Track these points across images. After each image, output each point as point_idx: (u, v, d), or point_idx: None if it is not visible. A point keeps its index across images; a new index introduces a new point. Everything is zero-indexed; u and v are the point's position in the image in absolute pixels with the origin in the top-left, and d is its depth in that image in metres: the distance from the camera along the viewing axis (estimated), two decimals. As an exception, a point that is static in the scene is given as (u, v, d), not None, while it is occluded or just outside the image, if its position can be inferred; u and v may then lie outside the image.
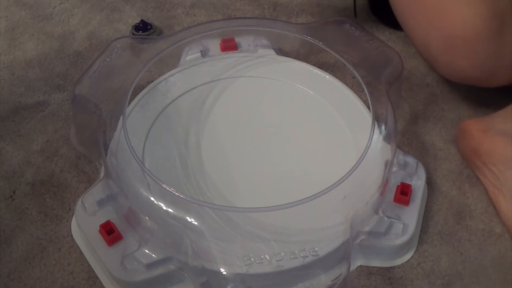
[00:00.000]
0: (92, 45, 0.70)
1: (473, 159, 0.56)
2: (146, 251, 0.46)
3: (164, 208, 0.48)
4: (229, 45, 0.64)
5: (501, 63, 0.56)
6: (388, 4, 0.64)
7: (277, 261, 0.45)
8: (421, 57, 0.64)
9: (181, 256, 0.46)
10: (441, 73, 0.61)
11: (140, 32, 0.70)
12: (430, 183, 0.56)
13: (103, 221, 0.48)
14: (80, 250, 0.50)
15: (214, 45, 0.64)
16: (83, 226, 0.49)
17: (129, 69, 0.58)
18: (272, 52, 0.64)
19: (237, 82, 0.61)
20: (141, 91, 0.59)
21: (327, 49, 0.59)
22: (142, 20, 0.71)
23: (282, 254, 0.45)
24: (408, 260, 0.51)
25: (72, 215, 0.52)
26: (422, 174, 0.54)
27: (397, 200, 0.52)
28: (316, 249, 0.46)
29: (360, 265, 0.50)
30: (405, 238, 0.49)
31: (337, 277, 0.45)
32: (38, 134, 0.59)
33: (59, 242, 0.51)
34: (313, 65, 0.63)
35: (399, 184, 0.52)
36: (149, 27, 0.70)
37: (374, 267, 0.50)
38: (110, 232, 0.48)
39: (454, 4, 0.55)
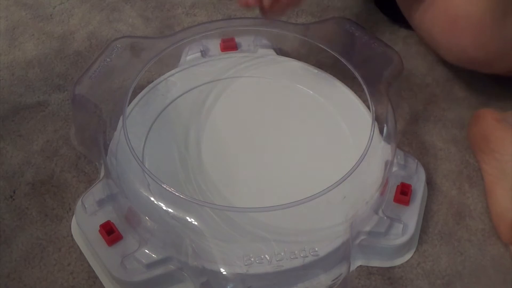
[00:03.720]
0: (92, 45, 0.70)
1: (481, 145, 0.56)
2: (146, 251, 0.46)
3: (164, 208, 0.48)
4: (229, 45, 0.64)
5: (504, 46, 0.56)
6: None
7: (277, 261, 0.45)
8: (424, 42, 0.64)
9: (181, 256, 0.46)
10: (444, 55, 0.61)
11: None
12: (430, 183, 0.56)
13: (103, 221, 0.48)
14: (80, 250, 0.50)
15: (214, 45, 0.64)
16: (83, 226, 0.49)
17: (129, 69, 0.57)
18: (272, 52, 0.64)
19: (237, 82, 0.61)
20: (141, 91, 0.59)
21: (327, 49, 0.59)
22: None
23: (282, 254, 0.45)
24: (408, 260, 0.51)
25: (72, 215, 0.52)
26: (422, 174, 0.54)
27: (397, 200, 0.52)
28: (316, 249, 0.46)
29: (360, 265, 0.50)
30: (405, 238, 0.49)
31: (337, 277, 0.45)
32: (38, 134, 0.59)
33: (59, 242, 0.51)
34: (313, 65, 0.63)
35: (399, 184, 0.52)
36: None
37: (374, 267, 0.50)
38: (110, 232, 0.48)
39: None
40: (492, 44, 0.56)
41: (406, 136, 0.61)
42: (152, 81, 0.60)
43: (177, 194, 0.46)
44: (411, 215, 0.51)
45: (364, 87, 0.55)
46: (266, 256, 0.45)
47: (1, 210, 0.53)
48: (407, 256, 0.51)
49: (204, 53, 0.63)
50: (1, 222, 0.52)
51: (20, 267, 0.49)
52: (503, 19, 0.55)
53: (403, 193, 0.52)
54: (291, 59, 0.64)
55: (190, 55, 0.63)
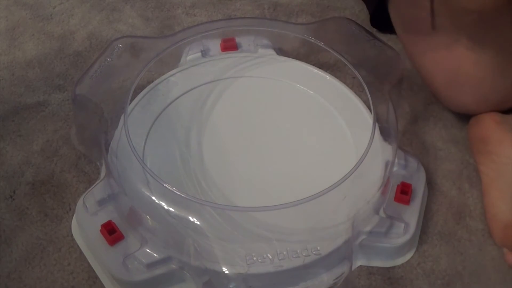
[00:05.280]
0: (92, 45, 0.70)
1: (480, 146, 0.56)
2: (148, 250, 0.46)
3: (166, 207, 0.48)
4: (229, 45, 0.64)
5: (505, 97, 0.57)
6: (387, 17, 0.64)
7: (279, 260, 0.45)
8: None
9: (183, 255, 0.46)
10: (443, 103, 0.61)
11: None
12: (430, 183, 0.56)
13: (104, 220, 0.48)
14: (80, 250, 0.50)
15: (214, 45, 0.64)
16: (84, 226, 0.49)
17: (129, 69, 0.57)
18: (272, 52, 0.64)
19: (237, 82, 0.61)
20: (141, 91, 0.59)
21: (328, 49, 0.59)
22: None
23: (284, 253, 0.45)
24: (408, 260, 0.51)
25: (72, 215, 0.52)
26: (422, 173, 0.54)
27: (397, 199, 0.51)
28: (318, 248, 0.46)
29: (360, 265, 0.50)
30: (406, 237, 0.49)
31: (339, 276, 0.45)
32: (38, 134, 0.59)
33: (59, 242, 0.51)
34: (313, 65, 0.63)
35: (399, 183, 0.52)
36: None
37: (374, 267, 0.50)
38: (111, 232, 0.47)
39: (460, 44, 0.55)
40: (493, 98, 0.56)
41: (406, 136, 0.61)
42: (153, 81, 0.60)
43: (178, 193, 0.46)
44: (412, 214, 0.51)
45: (365, 86, 0.55)
46: (268, 255, 0.45)
47: (1, 210, 0.53)
48: (408, 256, 0.51)
49: (204, 53, 0.63)
50: (1, 222, 0.52)
51: (20, 267, 0.49)
52: (504, 73, 0.55)
53: (404, 192, 0.52)
54: (291, 59, 0.64)
55: (191, 55, 0.63)
